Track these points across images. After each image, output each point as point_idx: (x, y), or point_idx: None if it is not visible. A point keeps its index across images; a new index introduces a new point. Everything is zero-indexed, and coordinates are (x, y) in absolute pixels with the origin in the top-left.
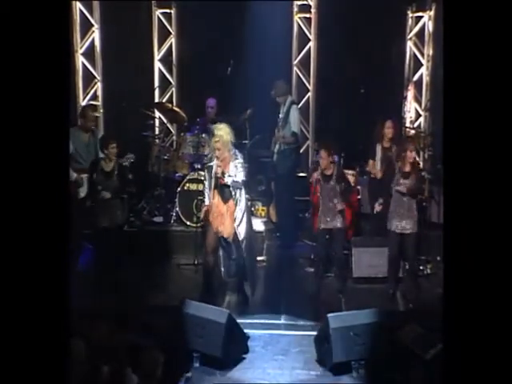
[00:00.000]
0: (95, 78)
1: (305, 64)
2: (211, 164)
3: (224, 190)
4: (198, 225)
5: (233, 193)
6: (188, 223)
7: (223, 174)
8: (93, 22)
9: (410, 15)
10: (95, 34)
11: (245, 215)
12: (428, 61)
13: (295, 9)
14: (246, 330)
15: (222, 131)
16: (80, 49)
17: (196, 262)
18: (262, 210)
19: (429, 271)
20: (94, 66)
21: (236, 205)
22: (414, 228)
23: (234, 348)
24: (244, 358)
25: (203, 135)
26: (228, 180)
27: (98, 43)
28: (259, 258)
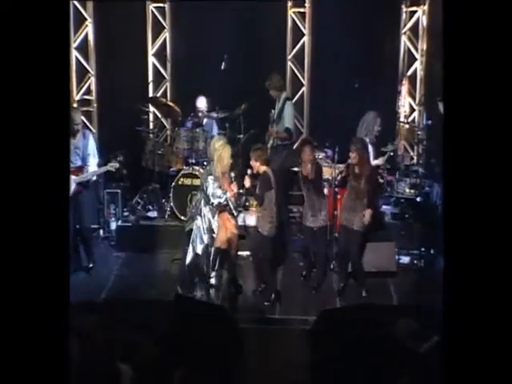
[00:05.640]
0: (89, 72)
1: (299, 59)
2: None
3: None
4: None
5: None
6: (182, 218)
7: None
8: (86, 16)
9: (404, 10)
10: (88, 29)
11: None
12: (422, 55)
13: (289, 3)
14: (240, 325)
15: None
16: (73, 43)
17: None
18: (256, 204)
19: (422, 265)
20: (87, 60)
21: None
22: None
23: (229, 344)
24: (238, 354)
25: (197, 130)
26: None
27: (91, 37)
28: (246, 253)
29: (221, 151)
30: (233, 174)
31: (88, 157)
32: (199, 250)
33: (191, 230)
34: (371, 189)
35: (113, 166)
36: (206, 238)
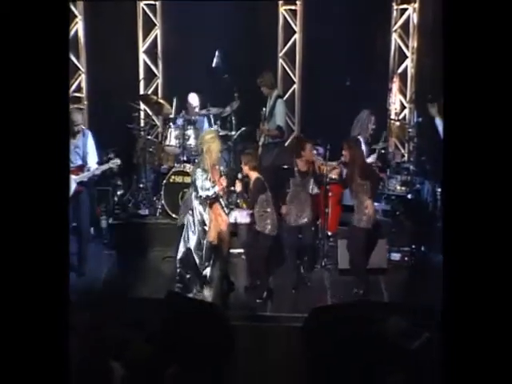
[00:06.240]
0: (79, 69)
1: (290, 56)
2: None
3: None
4: None
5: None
6: (174, 216)
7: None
8: (76, 12)
9: (395, 7)
10: (79, 25)
11: None
12: (413, 53)
13: (281, 1)
14: (232, 323)
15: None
16: None
17: None
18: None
19: (413, 262)
20: (77, 57)
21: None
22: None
23: (221, 341)
24: (230, 351)
25: (188, 127)
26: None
27: (81, 34)
28: (237, 251)
29: (210, 143)
30: (222, 168)
31: (87, 155)
32: (191, 244)
33: (183, 224)
34: (371, 185)
35: (115, 163)
36: (197, 231)
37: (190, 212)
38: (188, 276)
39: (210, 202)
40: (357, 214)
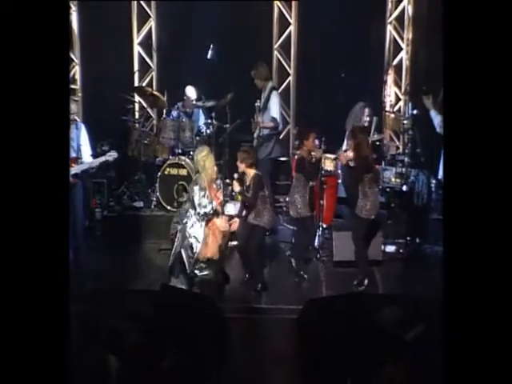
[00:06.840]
0: (73, 61)
1: (285, 48)
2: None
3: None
4: None
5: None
6: (168, 208)
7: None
8: (70, 4)
9: None
10: (73, 17)
11: None
12: (408, 45)
13: None
14: (226, 315)
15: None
16: None
17: None
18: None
19: (408, 254)
20: (71, 49)
21: None
22: None
23: (216, 333)
24: (225, 343)
25: (183, 119)
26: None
27: (75, 26)
28: (232, 243)
29: (204, 161)
30: (218, 182)
31: (81, 148)
32: (182, 251)
33: (177, 232)
34: (375, 175)
35: (111, 155)
36: (190, 242)
37: (187, 226)
38: (179, 278)
39: (207, 218)
40: (360, 205)
